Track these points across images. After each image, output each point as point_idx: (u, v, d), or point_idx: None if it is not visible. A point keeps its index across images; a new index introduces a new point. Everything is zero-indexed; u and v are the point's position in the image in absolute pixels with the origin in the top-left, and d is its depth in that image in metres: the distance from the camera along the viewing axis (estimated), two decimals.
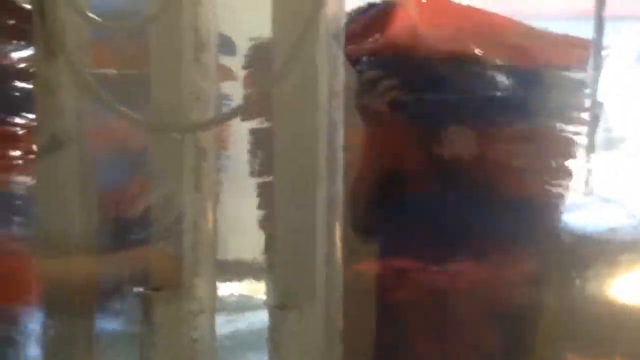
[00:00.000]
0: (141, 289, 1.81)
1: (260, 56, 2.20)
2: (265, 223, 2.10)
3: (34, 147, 1.93)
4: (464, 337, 2.06)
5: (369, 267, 2.10)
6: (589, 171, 3.47)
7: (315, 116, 1.66)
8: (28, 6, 1.89)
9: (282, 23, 1.66)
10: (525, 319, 2.10)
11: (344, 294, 1.71)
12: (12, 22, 2.05)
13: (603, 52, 3.42)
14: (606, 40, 3.49)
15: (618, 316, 2.20)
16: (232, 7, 1.95)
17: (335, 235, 1.71)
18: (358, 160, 2.04)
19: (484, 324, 2.06)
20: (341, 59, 1.71)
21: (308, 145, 1.68)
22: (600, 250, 2.30)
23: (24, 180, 2.06)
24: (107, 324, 2.03)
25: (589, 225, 2.45)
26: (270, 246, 1.94)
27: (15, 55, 2.08)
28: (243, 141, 2.28)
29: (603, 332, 2.17)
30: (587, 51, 2.27)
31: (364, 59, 2.02)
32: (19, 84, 2.06)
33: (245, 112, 1.79)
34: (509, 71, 2.07)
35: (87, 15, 1.74)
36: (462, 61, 2.00)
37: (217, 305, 1.79)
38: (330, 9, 1.65)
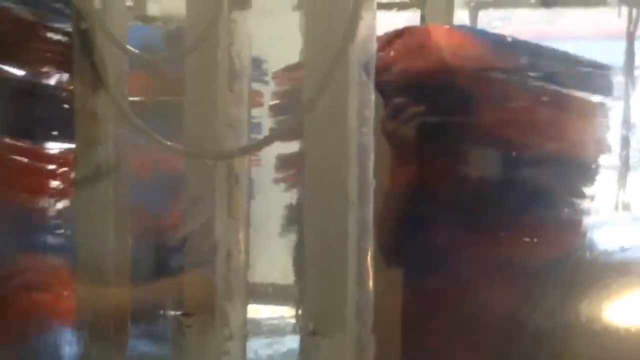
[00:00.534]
0: (174, 314, 1.84)
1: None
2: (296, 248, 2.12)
3: (73, 175, 1.97)
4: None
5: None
6: (622, 190, 3.46)
7: (345, 142, 1.68)
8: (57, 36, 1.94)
9: (313, 51, 1.69)
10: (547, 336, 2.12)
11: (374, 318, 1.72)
12: (49, 53, 2.10)
13: (635, 73, 3.42)
14: (638, 60, 3.49)
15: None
16: (267, 34, 1.99)
17: (366, 260, 1.72)
18: (385, 184, 2.07)
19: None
20: (371, 86, 1.74)
21: (339, 170, 1.69)
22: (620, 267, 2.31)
23: (63, 205, 2.10)
24: (140, 347, 2.07)
25: (615, 242, 2.46)
26: (300, 271, 1.96)
27: (51, 82, 2.12)
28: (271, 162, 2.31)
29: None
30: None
31: (390, 85, 2.04)
32: (55, 111, 2.11)
33: (277, 140, 1.82)
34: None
35: (126, 47, 1.78)
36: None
37: (257, 329, 1.80)
38: (360, 37, 1.67)
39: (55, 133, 2.12)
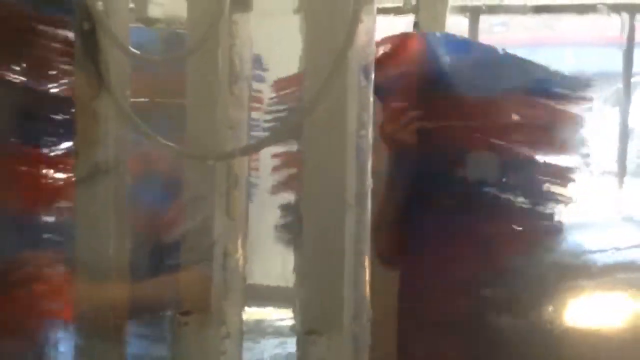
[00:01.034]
0: (171, 313, 1.85)
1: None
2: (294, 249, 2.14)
3: (72, 174, 1.99)
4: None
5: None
6: (619, 195, 3.48)
7: (344, 145, 1.70)
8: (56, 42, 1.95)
9: (313, 55, 1.70)
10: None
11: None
12: (49, 54, 2.11)
13: (633, 79, 3.44)
14: (636, 67, 3.50)
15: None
16: (267, 36, 2.01)
17: (363, 262, 1.73)
18: (382, 187, 2.08)
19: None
20: (370, 90, 1.75)
21: (337, 173, 1.71)
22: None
23: (63, 204, 2.11)
24: (138, 346, 2.08)
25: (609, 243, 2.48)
26: (298, 272, 1.97)
27: (51, 85, 2.14)
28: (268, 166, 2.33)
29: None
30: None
31: (388, 89, 2.06)
32: (53, 112, 2.12)
33: (275, 142, 1.84)
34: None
35: (128, 49, 1.80)
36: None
37: (268, 330, 1.82)
38: (360, 42, 1.68)
39: (55, 133, 2.13)
